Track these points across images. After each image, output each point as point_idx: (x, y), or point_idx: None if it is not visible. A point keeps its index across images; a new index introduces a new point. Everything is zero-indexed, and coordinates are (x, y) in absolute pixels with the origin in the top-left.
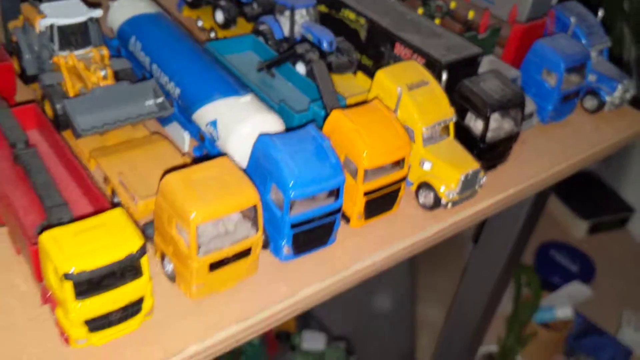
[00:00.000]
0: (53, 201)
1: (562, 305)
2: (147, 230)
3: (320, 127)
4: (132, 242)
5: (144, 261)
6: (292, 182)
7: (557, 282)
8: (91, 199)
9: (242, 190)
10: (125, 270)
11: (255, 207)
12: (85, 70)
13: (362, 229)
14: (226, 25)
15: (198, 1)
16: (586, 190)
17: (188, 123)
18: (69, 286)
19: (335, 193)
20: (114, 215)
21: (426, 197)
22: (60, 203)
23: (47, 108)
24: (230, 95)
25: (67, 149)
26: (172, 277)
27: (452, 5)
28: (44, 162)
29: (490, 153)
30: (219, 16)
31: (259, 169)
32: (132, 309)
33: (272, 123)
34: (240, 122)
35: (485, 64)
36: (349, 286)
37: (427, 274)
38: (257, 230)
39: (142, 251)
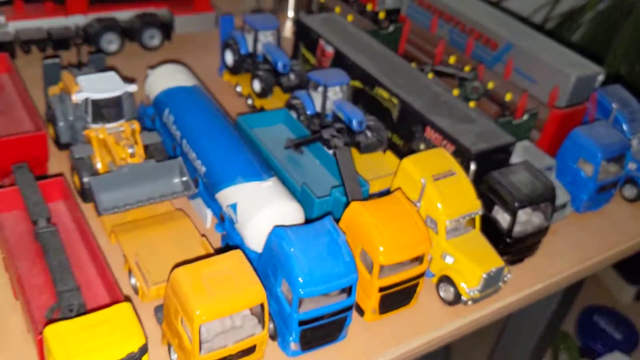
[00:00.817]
0: (65, 285)
1: None
2: (157, 313)
3: (341, 214)
4: (133, 341)
5: (145, 359)
6: (301, 279)
7: (598, 349)
8: (105, 283)
9: (250, 289)
10: None
11: (262, 305)
12: (115, 145)
13: (376, 323)
14: (262, 94)
15: (238, 68)
16: (636, 255)
17: (211, 201)
18: None
19: (348, 290)
20: (120, 310)
21: (446, 292)
22: (72, 288)
23: (76, 180)
24: (252, 180)
25: (87, 229)
26: None
27: (490, 85)
28: (63, 240)
29: (517, 247)
30: (257, 85)
31: (272, 260)
32: None
33: (291, 211)
34: (259, 210)
35: (519, 149)
36: None
37: (461, 345)
38: (263, 327)
39: (143, 350)
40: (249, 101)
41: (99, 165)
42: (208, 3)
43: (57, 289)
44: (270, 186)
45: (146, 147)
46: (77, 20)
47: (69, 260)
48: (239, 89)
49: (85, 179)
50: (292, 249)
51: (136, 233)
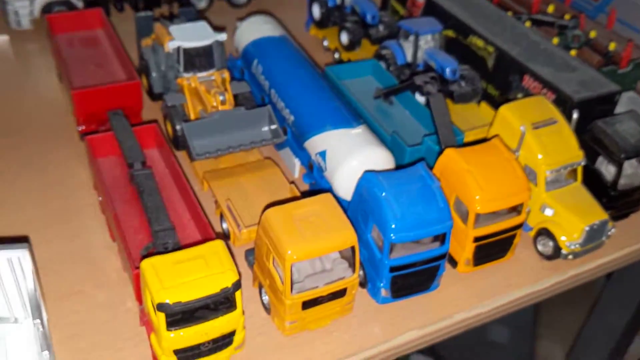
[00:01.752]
0: (160, 225)
1: None
2: (248, 257)
3: (434, 163)
4: (227, 276)
5: (238, 295)
6: (393, 224)
7: None
8: (198, 224)
9: (341, 231)
10: (219, 303)
11: (352, 248)
12: (205, 93)
13: (470, 275)
14: (350, 47)
15: (325, 21)
16: None
17: (300, 150)
18: (162, 317)
19: (441, 238)
20: (213, 247)
21: (545, 246)
22: (167, 227)
23: (169, 127)
24: (342, 127)
25: (181, 173)
26: (268, 309)
27: (592, 34)
28: (158, 184)
29: (621, 201)
30: (344, 38)
31: (362, 206)
32: (223, 342)
33: (381, 158)
34: (348, 156)
35: (624, 101)
36: (449, 336)
37: (551, 307)
38: (353, 271)
39: (237, 286)
40: (336, 55)
41: (190, 114)
42: None
43: (152, 229)
44: (359, 133)
45: (235, 97)
46: None
47: (163, 201)
48: (325, 43)
49: (179, 126)
50: (383, 194)
51: (227, 180)
